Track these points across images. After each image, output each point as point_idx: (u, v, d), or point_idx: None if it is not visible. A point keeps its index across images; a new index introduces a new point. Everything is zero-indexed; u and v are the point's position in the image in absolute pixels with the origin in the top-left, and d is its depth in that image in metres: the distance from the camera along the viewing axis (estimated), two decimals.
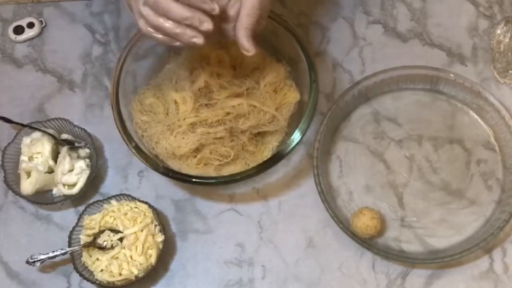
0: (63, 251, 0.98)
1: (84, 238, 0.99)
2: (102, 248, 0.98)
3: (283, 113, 1.02)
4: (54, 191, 1.04)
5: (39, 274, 1.02)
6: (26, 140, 1.05)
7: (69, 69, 1.15)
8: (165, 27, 0.85)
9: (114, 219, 0.99)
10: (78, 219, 1.01)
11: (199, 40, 0.86)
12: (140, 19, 0.87)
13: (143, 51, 1.04)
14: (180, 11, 0.84)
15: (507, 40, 1.07)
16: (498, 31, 1.09)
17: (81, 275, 0.97)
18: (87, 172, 1.04)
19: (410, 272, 0.98)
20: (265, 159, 0.99)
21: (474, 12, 1.13)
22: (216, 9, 0.85)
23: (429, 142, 1.04)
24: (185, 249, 1.02)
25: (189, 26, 0.85)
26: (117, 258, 0.97)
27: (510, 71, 1.07)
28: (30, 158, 1.04)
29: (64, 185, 1.03)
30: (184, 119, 1.00)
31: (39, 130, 1.06)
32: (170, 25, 0.85)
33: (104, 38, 1.17)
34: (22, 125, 1.07)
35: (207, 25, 0.85)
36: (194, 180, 0.96)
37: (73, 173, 1.03)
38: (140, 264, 0.96)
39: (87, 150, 1.06)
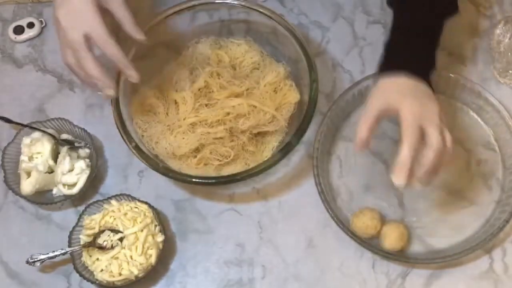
0: (63, 251, 0.98)
1: (84, 238, 0.99)
2: (102, 248, 0.98)
3: (283, 113, 1.02)
4: (54, 191, 1.04)
5: (39, 274, 1.02)
6: (26, 140, 1.05)
7: (69, 69, 1.15)
8: (77, 73, 0.90)
9: (114, 219, 0.99)
10: (78, 219, 1.01)
11: (110, 92, 0.92)
12: (63, 51, 0.90)
13: (143, 51, 1.04)
14: (91, 68, 0.88)
15: (506, 40, 1.07)
16: (498, 31, 1.08)
17: (81, 275, 0.97)
18: (87, 172, 1.04)
19: (410, 272, 0.98)
20: (265, 159, 0.99)
21: (474, 12, 1.13)
22: (135, 78, 0.91)
23: None
24: (185, 249, 1.02)
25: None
26: (117, 258, 0.97)
27: (510, 71, 1.07)
28: (30, 158, 1.04)
29: (64, 185, 1.03)
30: (184, 119, 1.00)
31: (39, 130, 1.06)
32: (82, 74, 0.90)
33: None
34: (22, 125, 1.07)
35: (110, 93, 0.91)
36: (194, 180, 0.96)
37: (73, 173, 1.03)
38: (140, 264, 0.96)
39: (87, 150, 1.06)
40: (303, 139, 0.97)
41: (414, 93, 0.86)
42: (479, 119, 1.05)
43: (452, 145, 0.85)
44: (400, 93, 0.86)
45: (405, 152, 0.82)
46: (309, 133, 1.00)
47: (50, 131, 1.06)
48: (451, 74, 1.04)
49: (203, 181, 0.96)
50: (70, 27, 0.87)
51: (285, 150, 0.96)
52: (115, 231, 0.99)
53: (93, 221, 1.00)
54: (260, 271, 1.00)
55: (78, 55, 0.88)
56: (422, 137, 0.83)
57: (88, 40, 0.88)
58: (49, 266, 1.02)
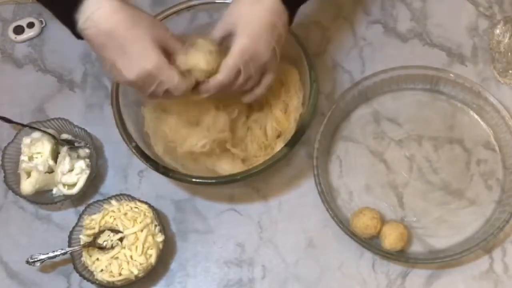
0: (63, 251, 0.98)
1: (84, 238, 0.99)
2: (102, 248, 0.98)
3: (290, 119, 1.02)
4: (54, 191, 1.04)
5: (39, 274, 1.02)
6: (26, 140, 1.05)
7: (69, 69, 1.15)
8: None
9: (114, 219, 0.99)
10: (78, 219, 1.01)
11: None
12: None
13: None
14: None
15: (506, 40, 1.07)
16: (497, 31, 1.08)
17: (81, 275, 0.97)
18: (87, 172, 1.04)
19: (410, 272, 0.98)
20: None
21: (474, 12, 1.13)
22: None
23: (429, 142, 1.04)
24: (185, 249, 1.02)
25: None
26: (117, 258, 0.97)
27: (510, 71, 1.07)
28: (30, 158, 1.04)
29: (64, 185, 1.03)
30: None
31: (39, 130, 1.06)
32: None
33: None
34: (22, 125, 1.07)
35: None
36: (194, 180, 0.96)
37: (73, 173, 1.03)
38: (140, 264, 0.96)
39: (87, 150, 1.06)
40: (303, 139, 0.97)
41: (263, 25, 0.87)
42: (479, 119, 1.05)
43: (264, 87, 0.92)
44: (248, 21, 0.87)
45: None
46: (309, 133, 1.00)
47: (50, 131, 1.06)
48: (451, 74, 1.04)
49: (203, 181, 0.96)
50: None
51: (285, 150, 0.96)
52: (115, 231, 0.99)
53: (93, 221, 1.00)
54: (260, 271, 1.00)
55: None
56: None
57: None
58: (49, 266, 1.02)
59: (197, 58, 0.87)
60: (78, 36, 0.86)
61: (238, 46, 0.87)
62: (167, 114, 1.00)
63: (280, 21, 0.89)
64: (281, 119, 1.01)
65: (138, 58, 0.83)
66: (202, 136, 0.97)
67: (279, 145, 1.00)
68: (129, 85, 0.88)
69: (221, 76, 0.88)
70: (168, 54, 0.86)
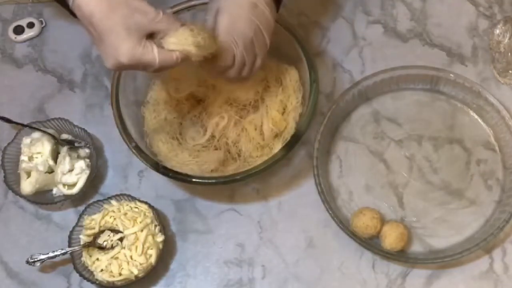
0: (63, 251, 0.98)
1: (84, 238, 0.99)
2: (102, 248, 0.98)
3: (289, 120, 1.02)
4: (54, 191, 1.04)
5: (39, 274, 1.02)
6: (26, 140, 1.05)
7: (69, 69, 1.15)
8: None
9: (114, 219, 0.99)
10: (78, 219, 1.01)
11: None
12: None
13: None
14: None
15: (506, 40, 1.07)
16: (497, 31, 1.09)
17: (81, 275, 0.97)
18: (87, 172, 1.04)
19: (410, 272, 0.98)
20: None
21: (474, 12, 1.13)
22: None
23: (429, 142, 1.04)
24: (185, 249, 1.02)
25: None
26: (117, 258, 0.97)
27: (510, 71, 1.07)
28: (30, 158, 1.04)
29: (64, 185, 1.03)
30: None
31: (39, 130, 1.06)
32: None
33: None
34: (22, 125, 1.07)
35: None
36: (194, 180, 0.96)
37: (73, 173, 1.03)
38: (140, 264, 0.96)
39: (87, 150, 1.06)
40: (303, 139, 0.97)
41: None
42: (479, 119, 1.05)
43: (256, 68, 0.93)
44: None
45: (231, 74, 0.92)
46: (309, 133, 1.00)
47: (50, 131, 1.06)
48: (451, 74, 1.04)
49: (203, 181, 0.96)
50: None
51: (285, 150, 0.96)
52: (115, 231, 0.99)
53: (93, 221, 1.00)
54: (260, 271, 1.00)
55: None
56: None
57: None
58: (49, 266, 1.02)
59: (185, 35, 0.86)
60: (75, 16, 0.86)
61: (221, 25, 0.89)
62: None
63: (262, 0, 0.90)
64: (278, 119, 1.01)
65: (112, 49, 0.83)
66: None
67: (277, 145, 1.00)
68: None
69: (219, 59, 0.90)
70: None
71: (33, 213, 1.06)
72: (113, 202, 1.01)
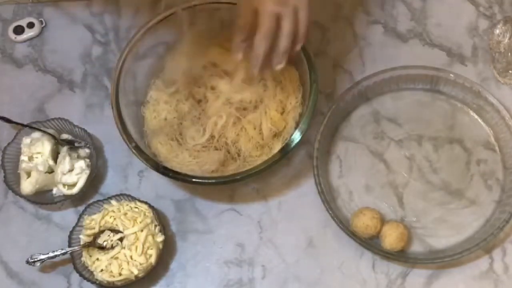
0: (63, 251, 0.98)
1: (84, 238, 0.99)
2: (102, 248, 0.98)
3: (289, 119, 1.02)
4: (54, 191, 1.04)
5: (39, 274, 1.02)
6: (26, 140, 1.05)
7: (69, 69, 1.15)
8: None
9: (114, 219, 0.99)
10: (78, 219, 1.01)
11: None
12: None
13: (143, 51, 1.04)
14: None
15: (506, 40, 1.07)
16: (497, 31, 1.09)
17: (81, 275, 0.97)
18: (87, 172, 1.04)
19: (410, 272, 0.98)
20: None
21: (474, 12, 1.13)
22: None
23: (429, 142, 1.04)
24: (185, 249, 1.02)
25: None
26: (117, 258, 0.97)
27: (510, 71, 1.07)
28: (30, 158, 1.04)
29: (64, 185, 1.03)
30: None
31: (39, 130, 1.06)
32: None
33: (104, 38, 1.17)
34: (22, 125, 1.07)
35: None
36: (194, 180, 0.96)
37: (73, 173, 1.03)
38: (140, 264, 0.96)
39: (87, 150, 1.06)
40: (303, 139, 0.97)
41: None
42: (479, 119, 1.05)
43: (305, 26, 0.89)
44: None
45: (257, 44, 0.88)
46: (309, 133, 1.00)
47: (50, 131, 1.06)
48: (451, 74, 1.04)
49: (203, 181, 0.96)
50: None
51: (284, 150, 0.96)
52: (115, 231, 0.99)
53: (93, 221, 1.00)
54: (260, 271, 1.00)
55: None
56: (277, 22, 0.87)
57: None
58: (49, 266, 1.02)
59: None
60: None
61: None
62: None
63: None
64: (277, 119, 1.01)
65: None
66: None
67: (277, 145, 1.00)
68: None
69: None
70: None
71: (33, 213, 1.06)
72: (113, 202, 1.01)
